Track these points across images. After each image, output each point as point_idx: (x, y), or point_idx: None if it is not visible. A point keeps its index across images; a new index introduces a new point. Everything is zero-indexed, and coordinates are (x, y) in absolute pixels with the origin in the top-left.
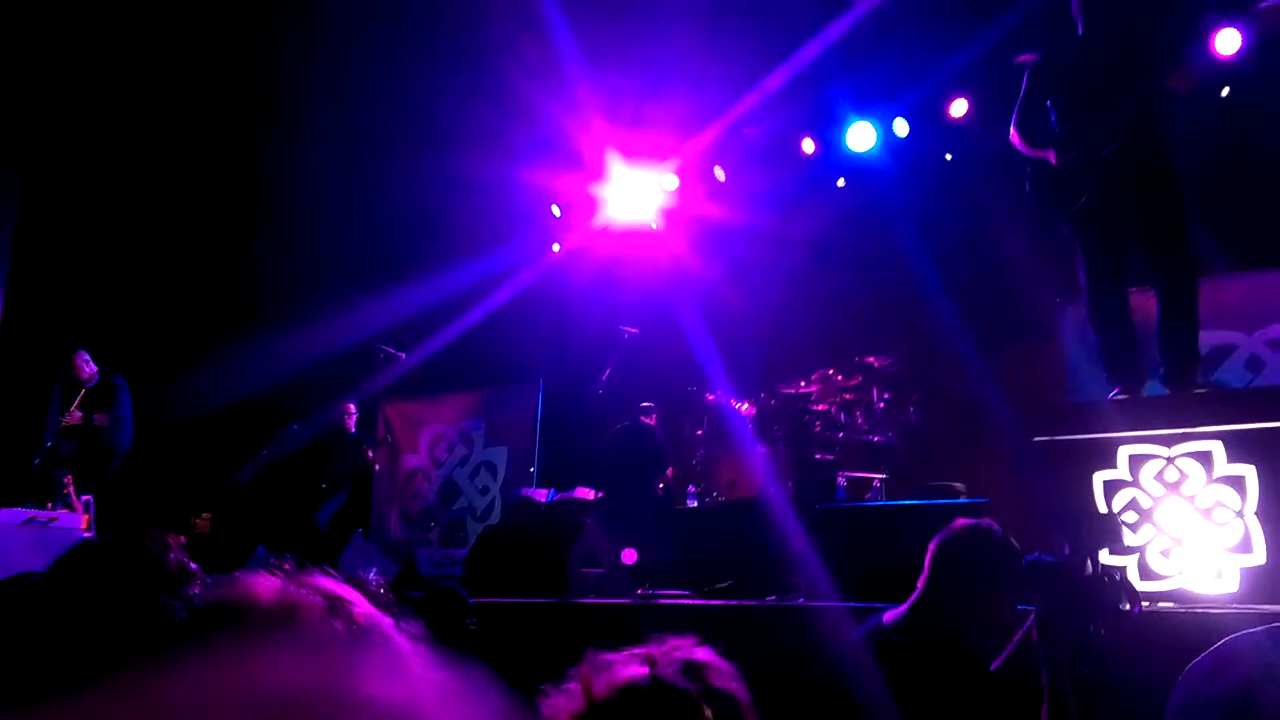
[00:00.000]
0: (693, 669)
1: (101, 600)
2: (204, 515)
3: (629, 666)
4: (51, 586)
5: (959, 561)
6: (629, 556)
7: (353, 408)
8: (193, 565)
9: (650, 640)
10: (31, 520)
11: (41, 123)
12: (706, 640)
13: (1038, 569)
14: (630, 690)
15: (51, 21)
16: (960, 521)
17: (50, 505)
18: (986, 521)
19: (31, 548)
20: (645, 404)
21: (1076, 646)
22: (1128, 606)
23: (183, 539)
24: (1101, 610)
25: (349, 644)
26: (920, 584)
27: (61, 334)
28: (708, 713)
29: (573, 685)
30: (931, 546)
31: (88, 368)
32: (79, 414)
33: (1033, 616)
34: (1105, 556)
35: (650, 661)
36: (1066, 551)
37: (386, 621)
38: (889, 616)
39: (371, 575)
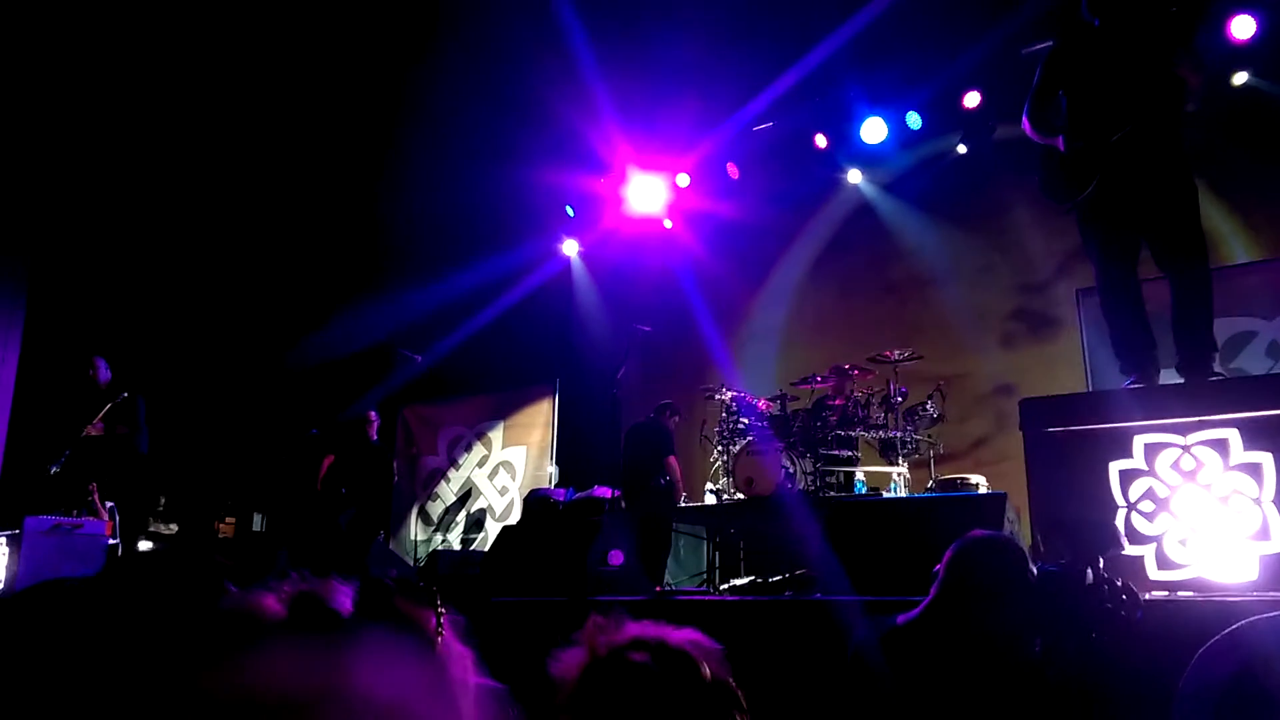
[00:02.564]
0: (684, 639)
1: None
2: (228, 520)
3: (630, 626)
4: (111, 593)
5: (973, 571)
6: (615, 558)
7: (374, 415)
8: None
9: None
10: (57, 528)
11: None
12: (723, 635)
13: (1044, 579)
14: (635, 643)
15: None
16: (977, 532)
17: (75, 513)
18: (1003, 534)
19: (58, 554)
20: (665, 401)
21: (1079, 654)
22: (1125, 613)
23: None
24: (1103, 618)
25: (342, 643)
26: (933, 590)
27: (78, 344)
28: (705, 670)
29: (578, 643)
30: (947, 555)
31: (106, 374)
32: (101, 425)
33: (1030, 622)
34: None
35: (643, 625)
36: (1066, 559)
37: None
38: (902, 619)
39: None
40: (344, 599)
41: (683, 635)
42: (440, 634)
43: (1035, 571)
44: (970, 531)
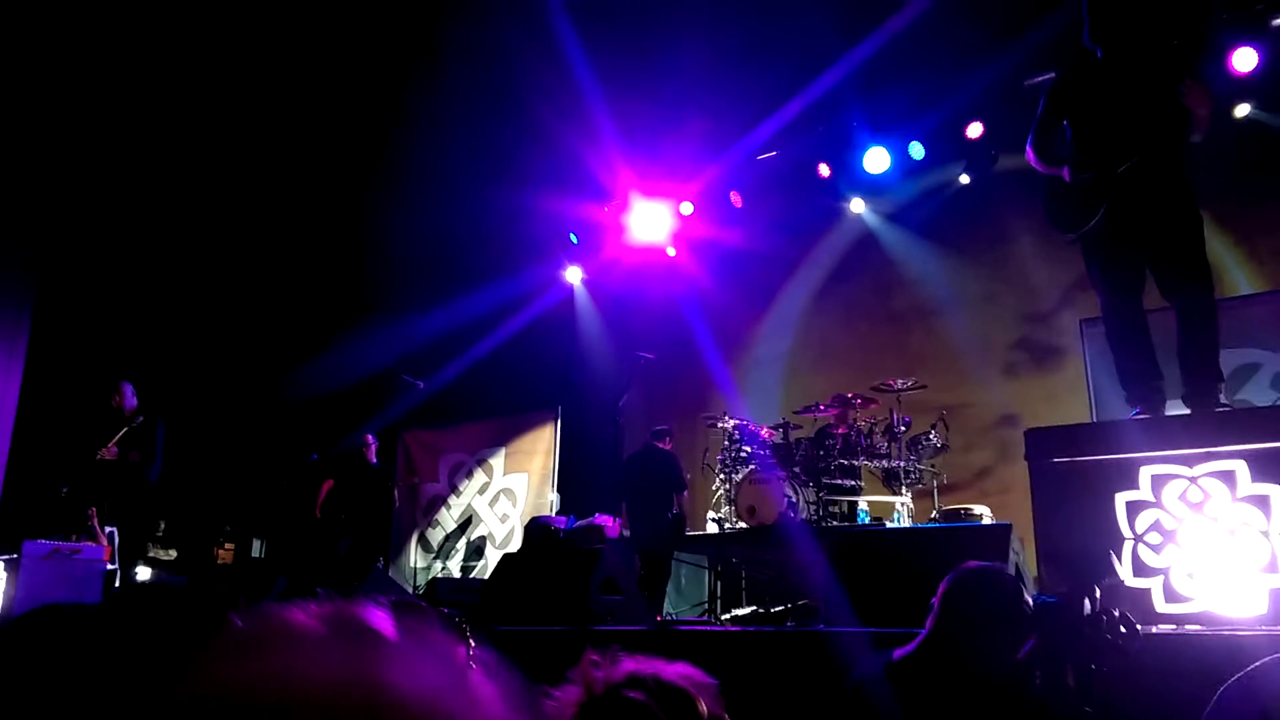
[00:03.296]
0: (679, 674)
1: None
2: (227, 546)
3: (625, 662)
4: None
5: (967, 603)
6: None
7: (372, 439)
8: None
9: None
10: (55, 552)
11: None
12: (725, 666)
13: (1041, 610)
14: (631, 680)
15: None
16: (971, 563)
17: (75, 537)
18: (997, 564)
19: (56, 579)
20: (659, 428)
21: (1079, 687)
22: (1122, 644)
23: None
24: (1100, 649)
25: (378, 646)
26: (929, 623)
27: (86, 367)
28: (702, 707)
29: (574, 681)
30: (941, 587)
31: (132, 400)
32: (115, 449)
33: (1028, 655)
34: (1130, 579)
35: (638, 661)
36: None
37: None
38: (899, 653)
39: None
40: (383, 621)
41: (676, 670)
42: (472, 666)
43: (1031, 602)
44: (964, 563)
